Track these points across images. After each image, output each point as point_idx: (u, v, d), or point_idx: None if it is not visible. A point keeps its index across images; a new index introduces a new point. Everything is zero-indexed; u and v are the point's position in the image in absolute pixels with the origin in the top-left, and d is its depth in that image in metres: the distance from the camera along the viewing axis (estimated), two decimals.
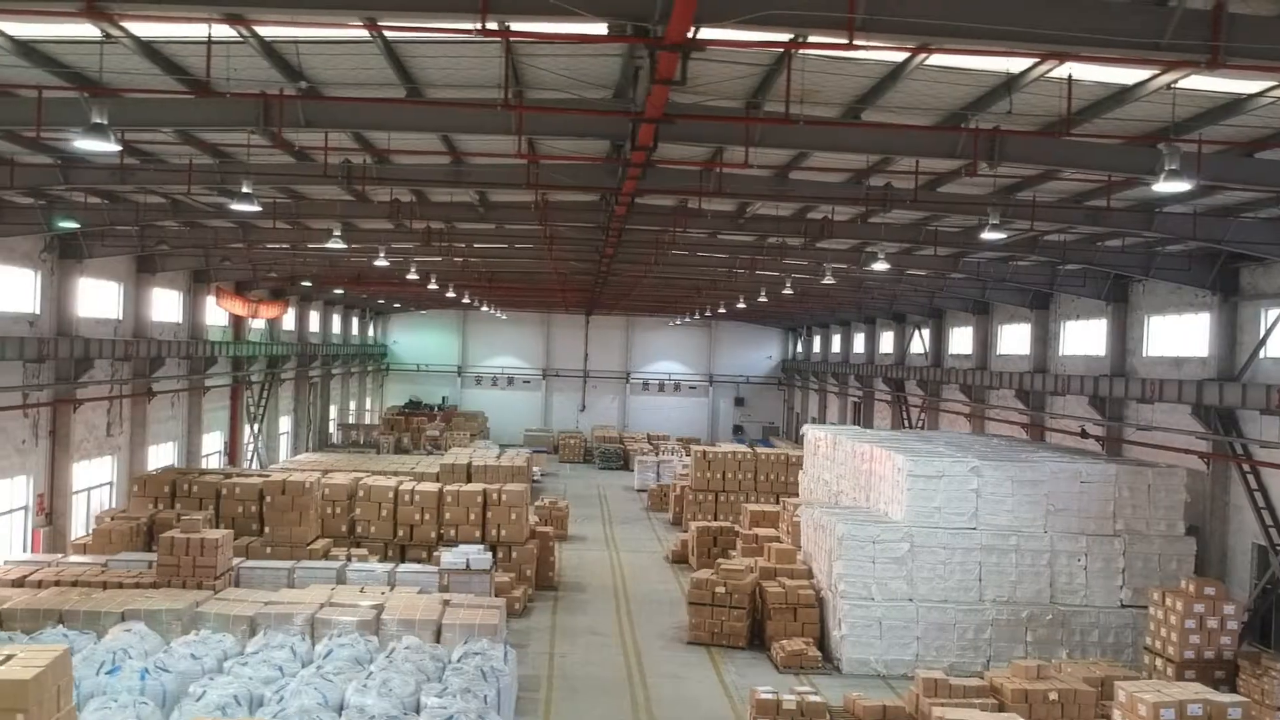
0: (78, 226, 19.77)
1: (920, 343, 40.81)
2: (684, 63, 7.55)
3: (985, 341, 34.08)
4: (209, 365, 33.04)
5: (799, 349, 64.33)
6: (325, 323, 50.48)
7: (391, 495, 24.95)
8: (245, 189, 14.80)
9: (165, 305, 30.93)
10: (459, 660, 15.14)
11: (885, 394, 44.84)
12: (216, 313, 34.88)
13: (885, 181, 16.26)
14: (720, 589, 21.52)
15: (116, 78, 11.43)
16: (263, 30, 9.70)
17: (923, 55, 9.94)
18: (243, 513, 24.30)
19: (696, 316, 55.77)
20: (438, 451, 47.56)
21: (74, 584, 19.01)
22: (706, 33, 7.44)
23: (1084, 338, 28.31)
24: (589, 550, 31.53)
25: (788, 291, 30.16)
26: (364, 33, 10.08)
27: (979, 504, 20.73)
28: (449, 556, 21.41)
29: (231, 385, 36.78)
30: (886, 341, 46.27)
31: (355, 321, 57.82)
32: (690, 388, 65.73)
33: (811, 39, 9.04)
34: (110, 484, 28.03)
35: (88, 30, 9.77)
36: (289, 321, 43.95)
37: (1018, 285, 27.02)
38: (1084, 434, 26.76)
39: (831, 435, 27.25)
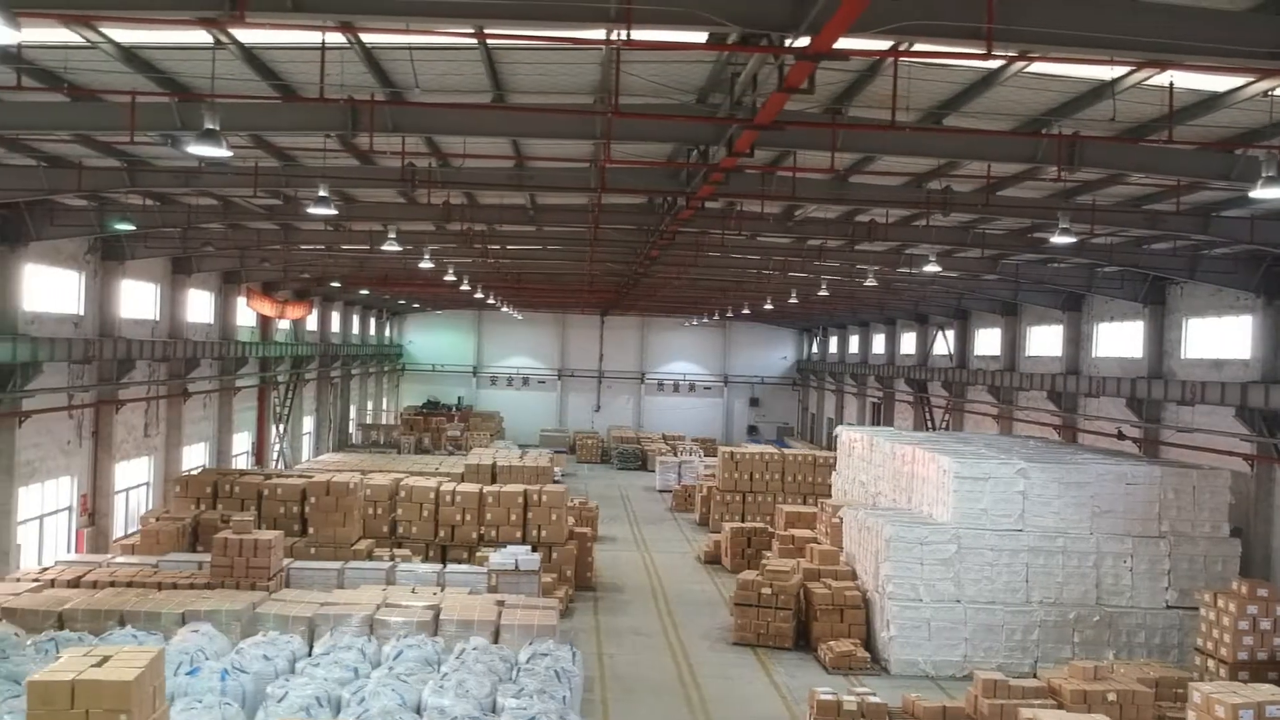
0: (133, 228, 19.84)
1: (944, 344, 40.88)
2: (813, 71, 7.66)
3: (1014, 343, 34.15)
4: (240, 366, 33.13)
5: (814, 349, 64.42)
6: (345, 323, 50.56)
7: (433, 496, 25.04)
8: (322, 192, 14.89)
9: (198, 306, 31.00)
10: (528, 661, 15.22)
11: (906, 395, 44.92)
12: (244, 313, 34.96)
13: (945, 184, 16.34)
14: (766, 590, 21.61)
15: (204, 82, 11.50)
16: (366, 38, 9.76)
17: (1023, 63, 10.02)
18: (284, 513, 24.36)
19: (715, 317, 55.82)
20: (459, 452, 47.65)
21: (129, 584, 19.12)
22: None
23: (1118, 340, 28.38)
24: (620, 551, 31.59)
25: (823, 293, 30.24)
26: (463, 39, 10.15)
27: (1025, 505, 20.79)
28: (497, 557, 21.51)
29: (258, 386, 36.85)
30: (908, 342, 46.34)
31: (372, 322, 57.88)
32: (705, 388, 65.83)
33: (916, 46, 9.10)
34: (147, 484, 28.09)
35: (197, 37, 9.83)
36: (309, 322, 43.98)
37: (1054, 287, 27.11)
38: (1120, 435, 26.84)
39: (868, 436, 27.32)
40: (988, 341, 37.44)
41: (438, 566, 21.63)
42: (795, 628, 21.60)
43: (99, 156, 16.15)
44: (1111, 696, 16.44)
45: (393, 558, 22.83)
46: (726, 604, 25.32)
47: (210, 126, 10.23)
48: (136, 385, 26.23)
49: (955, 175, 15.65)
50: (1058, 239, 15.59)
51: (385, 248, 20.96)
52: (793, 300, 35.55)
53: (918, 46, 9.04)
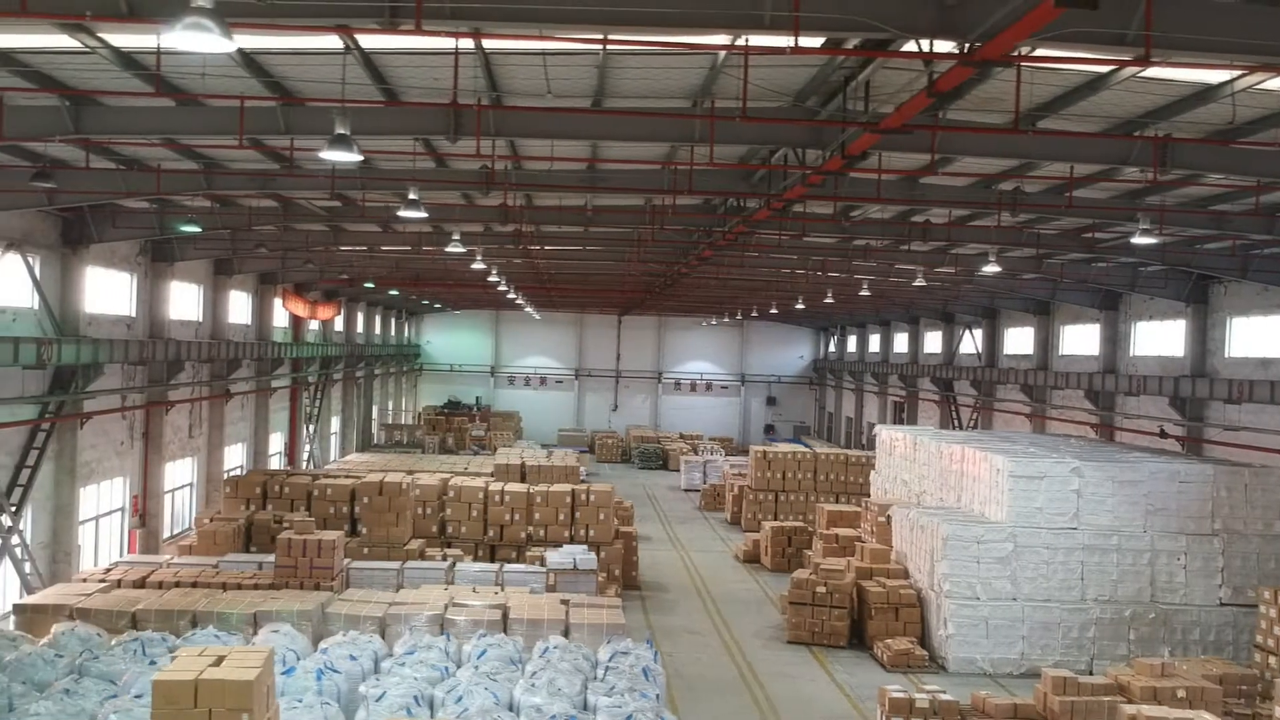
0: (198, 230, 19.95)
1: (972, 343, 40.99)
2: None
3: (1046, 342, 34.28)
4: (276, 366, 33.23)
5: (831, 348, 64.54)
6: (368, 324, 50.67)
7: (481, 496, 25.16)
8: (412, 195, 14.99)
9: (237, 307, 31.10)
10: (610, 660, 15.28)
11: (931, 394, 45.03)
12: (278, 315, 35.04)
13: (1015, 185, 16.46)
14: (820, 589, 21.72)
15: (308, 86, 11.60)
16: (488, 44, 9.85)
17: (1137, 67, 10.13)
18: (334, 514, 24.45)
19: (736, 317, 55.90)
20: (484, 451, 47.79)
21: (194, 585, 19.18)
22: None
23: (1158, 338, 28.50)
24: (657, 550, 31.68)
25: (864, 293, 30.37)
26: (583, 45, 10.24)
27: (1080, 504, 20.91)
28: (555, 556, 21.62)
29: (290, 386, 36.96)
30: (932, 341, 46.44)
31: (392, 322, 58.01)
32: (722, 387, 65.95)
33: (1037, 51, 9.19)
34: (190, 485, 28.18)
35: (326, 42, 9.93)
36: (336, 323, 44.11)
37: (1096, 286, 27.22)
38: (1163, 434, 26.97)
39: (910, 436, 27.44)
40: (1018, 340, 37.55)
41: (494, 566, 21.72)
42: (849, 626, 21.72)
43: (176, 159, 16.24)
44: (1181, 693, 16.55)
45: (445, 557, 22.92)
46: (772, 602, 25.48)
47: (341, 131, 10.34)
48: (184, 386, 26.34)
49: (1029, 176, 15.76)
50: (1139, 240, 15.71)
51: (450, 249, 21.08)
52: (828, 300, 35.66)
53: (1040, 51, 9.12)
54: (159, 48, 9.41)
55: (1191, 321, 26.17)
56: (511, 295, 38.00)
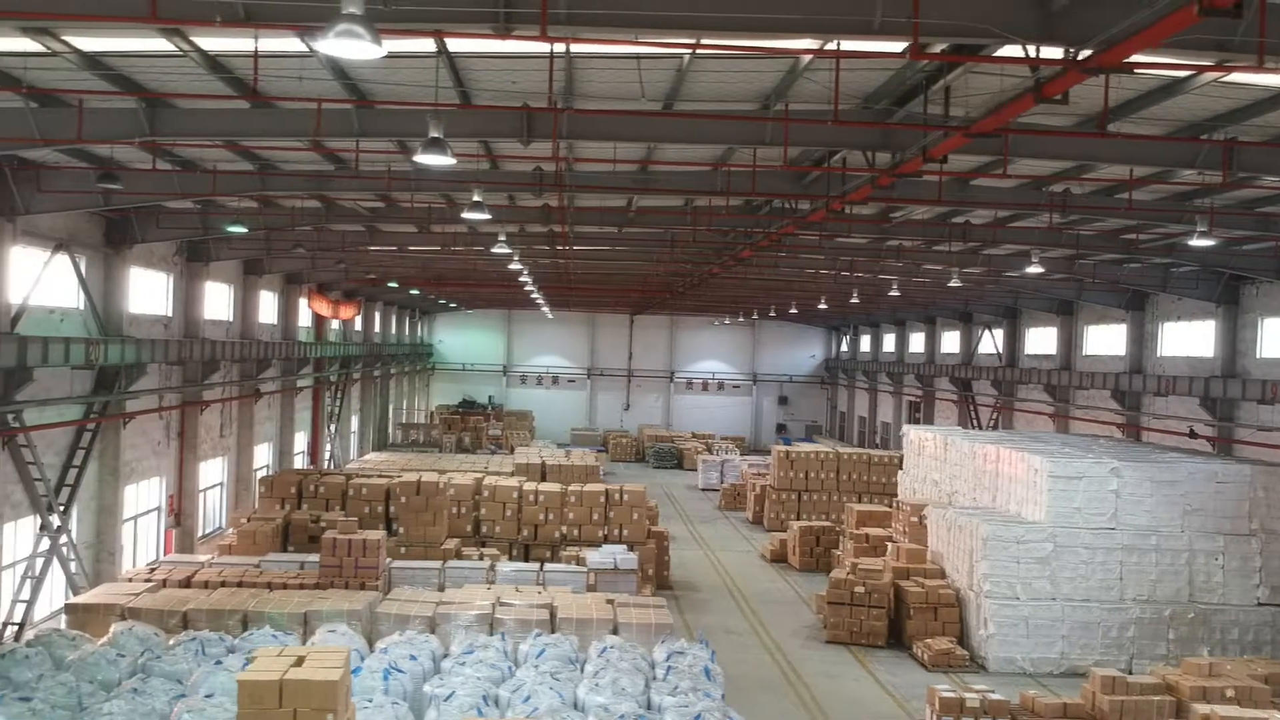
0: (245, 230, 20.00)
1: (991, 343, 41.07)
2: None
3: (1070, 342, 34.36)
4: (301, 366, 33.28)
5: (844, 348, 64.61)
6: (384, 323, 50.73)
7: (516, 496, 25.22)
8: (476, 197, 15.05)
9: (265, 307, 31.15)
10: (667, 659, 15.34)
11: (948, 393, 45.11)
12: (301, 314, 35.10)
13: (1065, 188, 16.54)
14: (859, 589, 21.79)
15: (382, 88, 11.66)
16: (575, 48, 9.91)
17: (1220, 73, 10.19)
18: (369, 513, 24.46)
19: (752, 317, 55.95)
20: (502, 451, 47.87)
21: (239, 584, 19.23)
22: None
23: (1186, 339, 28.57)
24: (683, 549, 31.73)
25: (894, 293, 30.46)
26: (661, 49, 10.31)
27: (1118, 504, 20.98)
28: (596, 556, 21.70)
29: (313, 386, 37.02)
30: (949, 341, 46.52)
31: (406, 322, 58.07)
32: (734, 387, 66.03)
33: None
34: (221, 485, 28.23)
35: (416, 46, 9.97)
36: (355, 322, 44.15)
37: (1127, 286, 27.30)
38: (1193, 434, 27.04)
39: (941, 436, 27.52)
40: (1039, 340, 37.62)
41: (534, 565, 21.77)
42: (887, 626, 21.80)
43: (237, 160, 16.30)
44: (1230, 693, 16.64)
45: (481, 556, 22.98)
46: (805, 602, 25.56)
47: (435, 135, 10.38)
48: (217, 386, 26.40)
49: (1081, 178, 15.82)
50: (1195, 242, 15.79)
51: (496, 250, 21.15)
52: (853, 300, 35.76)
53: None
54: (257, 51, 9.45)
55: (1222, 322, 26.23)
56: (535, 295, 38.05)
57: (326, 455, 39.04)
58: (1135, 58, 7.41)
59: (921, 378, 47.46)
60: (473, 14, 7.66)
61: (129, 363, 19.64)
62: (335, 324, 39.67)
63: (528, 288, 33.59)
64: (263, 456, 31.72)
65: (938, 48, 9.71)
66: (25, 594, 17.96)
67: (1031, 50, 8.05)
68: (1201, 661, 17.44)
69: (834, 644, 21.72)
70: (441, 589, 20.41)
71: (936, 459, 27.55)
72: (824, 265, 29.81)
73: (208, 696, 12.74)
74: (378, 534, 20.20)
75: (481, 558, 22.84)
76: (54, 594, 19.14)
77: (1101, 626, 20.53)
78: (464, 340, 65.29)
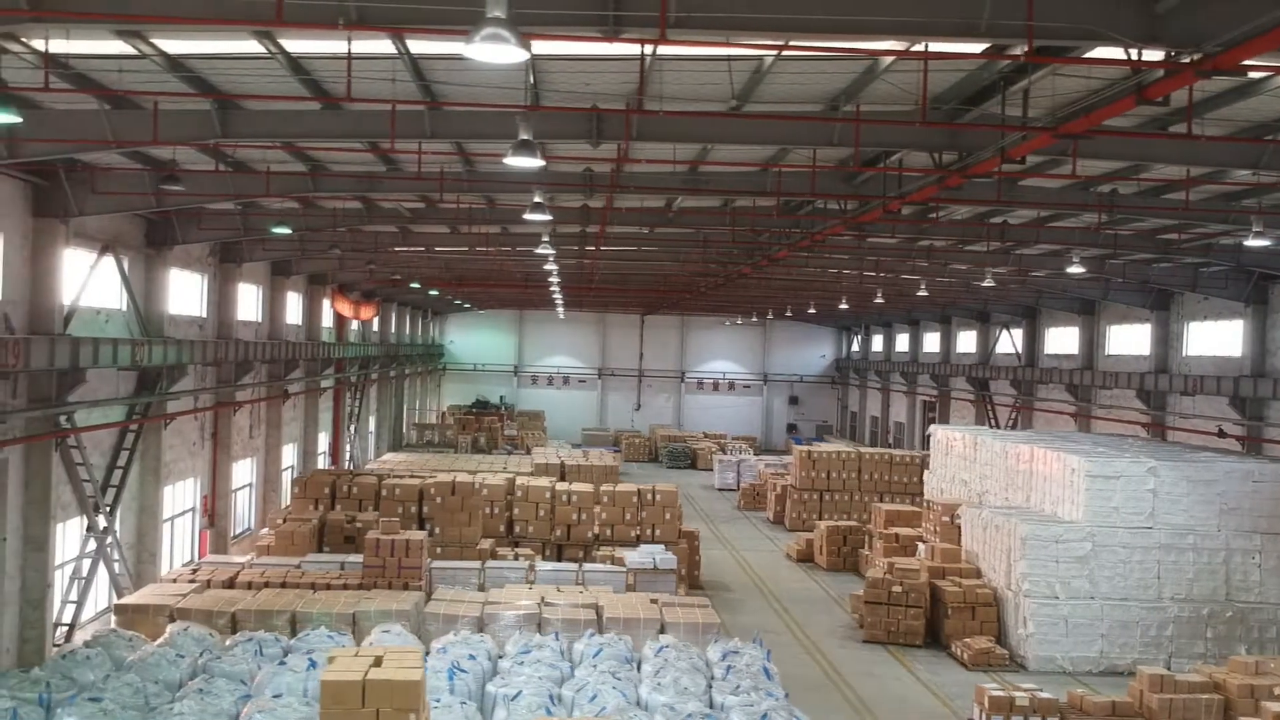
0: (289, 232, 20.01)
1: (1010, 342, 41.14)
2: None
3: (1091, 341, 34.43)
4: (325, 367, 33.31)
5: (854, 348, 64.68)
6: (399, 324, 50.77)
7: (549, 496, 25.28)
8: (537, 199, 15.08)
9: (291, 308, 31.18)
10: (723, 659, 15.38)
11: (964, 393, 45.18)
12: (324, 315, 35.13)
13: (1112, 188, 16.60)
14: (897, 588, 21.85)
15: (456, 90, 11.70)
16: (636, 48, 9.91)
17: None
18: (402, 513, 24.46)
19: (768, 317, 56.00)
20: (518, 451, 47.86)
21: (282, 585, 19.26)
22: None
23: (1213, 338, 28.64)
24: (709, 549, 31.67)
25: (923, 293, 30.54)
26: (727, 50, 10.35)
27: (1155, 503, 21.03)
28: (635, 556, 21.74)
29: (335, 386, 37.04)
30: (965, 340, 46.58)
31: (420, 322, 58.09)
32: (745, 387, 66.09)
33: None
34: (250, 485, 28.25)
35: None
36: (373, 322, 44.16)
37: (1156, 286, 27.37)
38: (1221, 433, 27.11)
39: (971, 436, 27.57)
40: (1060, 340, 37.69)
41: (573, 565, 21.83)
42: (924, 625, 21.85)
43: (291, 161, 16.32)
44: (1279, 690, 16.71)
45: (516, 556, 23.03)
46: (836, 601, 25.63)
47: (525, 137, 10.42)
48: (249, 387, 26.43)
49: (1131, 178, 15.87)
50: (1252, 242, 15.85)
51: (539, 251, 21.20)
52: (879, 300, 35.86)
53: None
54: (350, 53, 9.47)
55: (1250, 322, 26.30)
56: (556, 295, 38.10)
57: (347, 456, 39.08)
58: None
59: (937, 377, 47.50)
60: (581, 17, 7.69)
61: (170, 364, 19.65)
62: (355, 324, 39.70)
63: (551, 288, 33.62)
64: (288, 457, 31.73)
65: (1019, 49, 9.74)
66: (73, 595, 17.96)
67: (1134, 53, 8.09)
68: (1247, 660, 17.50)
69: (871, 643, 21.77)
70: (482, 589, 20.46)
71: (965, 459, 27.59)
72: (849, 265, 29.84)
73: (275, 697, 12.78)
74: (420, 534, 20.25)
75: (516, 558, 22.89)
76: (97, 595, 19.15)
77: (1140, 625, 20.58)
78: (475, 340, 65.32)
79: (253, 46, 10.25)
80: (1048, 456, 22.73)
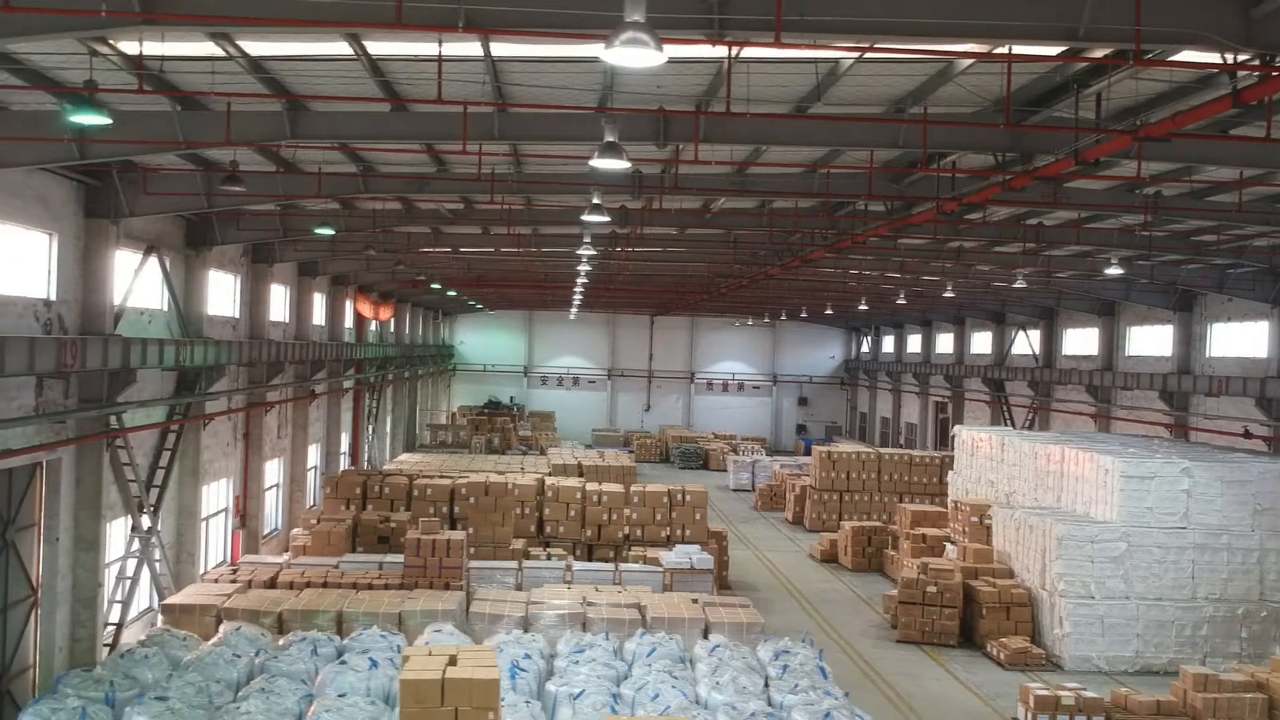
0: (332, 233, 20.05)
1: (1026, 343, 41.24)
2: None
3: (1111, 342, 34.53)
4: (348, 368, 33.35)
5: (864, 349, 64.77)
6: (413, 325, 50.82)
7: (579, 496, 25.33)
8: (596, 200, 15.15)
9: (316, 309, 31.21)
10: (775, 659, 15.45)
11: (978, 394, 45.28)
12: (345, 316, 35.17)
13: (1156, 190, 16.70)
14: (931, 588, 21.93)
15: (523, 91, 11.75)
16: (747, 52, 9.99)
17: None
18: (433, 513, 24.50)
19: (781, 318, 56.07)
20: (532, 451, 47.92)
21: (324, 585, 19.31)
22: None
23: (1238, 339, 28.75)
24: (732, 550, 31.49)
25: (948, 295, 30.64)
26: (813, 53, 10.42)
27: (1189, 504, 21.13)
28: (671, 556, 21.79)
29: (355, 387, 37.08)
30: (980, 341, 46.69)
31: (433, 323, 58.14)
32: (754, 387, 66.17)
33: None
34: (277, 485, 28.27)
35: (575, 50, 10.09)
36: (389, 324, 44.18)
37: (1183, 286, 27.48)
38: (1248, 434, 27.22)
39: (997, 437, 27.67)
40: (1078, 341, 37.80)
41: (610, 565, 21.91)
42: (959, 625, 21.93)
43: (343, 162, 16.37)
44: None
45: (549, 556, 23.09)
46: (865, 602, 25.71)
47: (611, 140, 10.48)
48: (281, 387, 26.47)
49: (1180, 180, 15.93)
50: None
51: (580, 252, 21.27)
52: (901, 302, 35.97)
53: None
54: (441, 56, 9.53)
55: (1277, 323, 26.42)
56: (577, 296, 38.15)
57: (366, 457, 39.12)
58: None
59: (951, 378, 47.59)
60: (686, 20, 7.76)
61: (210, 364, 19.69)
62: (373, 325, 39.73)
63: (574, 288, 33.69)
64: (312, 457, 31.76)
65: (1100, 52, 9.84)
66: (118, 595, 17.99)
67: (1229, 57, 8.17)
68: None
69: (906, 643, 21.85)
70: (519, 588, 20.54)
71: (992, 459, 27.68)
72: (873, 266, 29.92)
73: (340, 696, 12.85)
74: (460, 534, 20.32)
75: (549, 557, 22.95)
76: (139, 595, 19.18)
77: (1175, 625, 20.67)
78: (485, 341, 65.35)
79: (339, 49, 10.30)
80: (1079, 457, 22.82)
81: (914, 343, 55.86)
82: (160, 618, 17.49)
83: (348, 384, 35.12)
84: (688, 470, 52.94)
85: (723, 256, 27.24)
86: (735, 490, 45.68)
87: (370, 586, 19.33)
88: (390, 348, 41.50)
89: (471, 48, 10.14)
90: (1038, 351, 40.08)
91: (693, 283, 37.07)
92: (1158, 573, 20.79)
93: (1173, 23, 7.81)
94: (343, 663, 13.97)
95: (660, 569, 21.39)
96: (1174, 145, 11.66)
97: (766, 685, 14.17)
